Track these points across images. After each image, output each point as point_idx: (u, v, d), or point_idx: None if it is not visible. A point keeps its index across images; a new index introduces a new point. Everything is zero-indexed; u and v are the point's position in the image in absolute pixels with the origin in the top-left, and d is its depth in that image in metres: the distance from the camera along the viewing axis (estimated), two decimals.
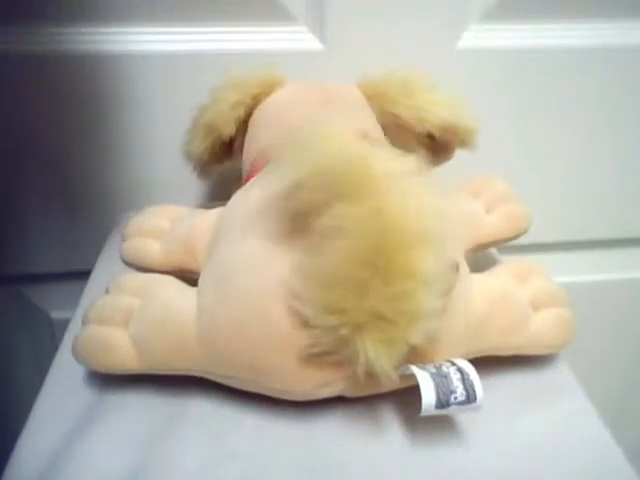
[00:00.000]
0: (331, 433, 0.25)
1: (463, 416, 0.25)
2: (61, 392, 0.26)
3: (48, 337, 0.48)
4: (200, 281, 0.26)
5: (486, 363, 0.26)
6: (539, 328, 0.27)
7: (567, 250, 0.53)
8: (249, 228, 0.25)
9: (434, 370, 0.23)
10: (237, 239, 0.25)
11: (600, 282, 0.54)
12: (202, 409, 0.26)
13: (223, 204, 0.29)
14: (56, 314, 0.48)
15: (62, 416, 0.25)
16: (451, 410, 0.22)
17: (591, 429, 0.26)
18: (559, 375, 0.28)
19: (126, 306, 0.26)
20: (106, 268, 0.34)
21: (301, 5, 0.39)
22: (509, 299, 0.27)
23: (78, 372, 0.27)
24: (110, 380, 0.26)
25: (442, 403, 0.22)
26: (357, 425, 0.25)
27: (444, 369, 0.23)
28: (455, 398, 0.22)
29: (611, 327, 0.56)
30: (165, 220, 0.32)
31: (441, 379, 0.22)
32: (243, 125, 0.34)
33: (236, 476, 0.23)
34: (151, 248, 0.31)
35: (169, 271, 0.29)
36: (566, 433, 0.25)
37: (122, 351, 0.25)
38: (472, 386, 0.22)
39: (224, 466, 0.24)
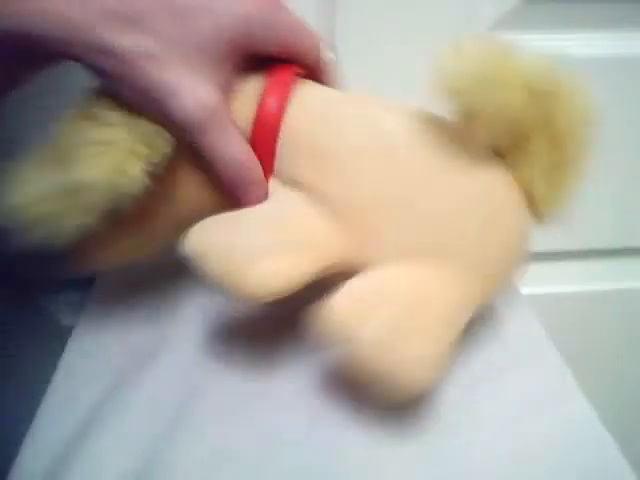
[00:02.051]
0: (331, 435, 0.25)
1: (465, 420, 0.26)
2: (66, 395, 0.27)
3: (57, 341, 0.48)
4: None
5: (487, 367, 0.26)
6: None
7: (564, 259, 0.53)
8: None
9: None
10: None
11: (601, 292, 0.54)
12: (204, 411, 0.26)
13: None
14: (64, 319, 0.49)
15: (67, 418, 0.26)
16: None
17: (593, 433, 0.26)
18: (560, 379, 0.28)
19: None
20: (109, 274, 0.35)
21: (312, 16, 0.39)
22: None
23: (83, 375, 0.28)
24: (114, 383, 0.27)
25: None
26: (357, 428, 0.25)
27: None
28: None
29: (610, 336, 0.56)
30: None
31: None
32: None
33: (237, 477, 0.24)
34: None
35: None
36: (567, 437, 0.25)
37: None
38: None
39: (226, 467, 0.24)
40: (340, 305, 0.23)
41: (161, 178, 0.26)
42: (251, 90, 0.27)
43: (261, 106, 0.26)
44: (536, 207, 0.27)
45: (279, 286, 0.24)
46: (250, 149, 0.26)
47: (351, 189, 0.26)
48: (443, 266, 0.25)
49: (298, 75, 0.28)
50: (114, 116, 0.25)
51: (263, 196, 0.27)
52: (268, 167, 0.27)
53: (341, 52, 0.40)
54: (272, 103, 0.26)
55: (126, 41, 0.24)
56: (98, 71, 0.25)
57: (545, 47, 0.41)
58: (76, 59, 0.25)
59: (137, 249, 0.29)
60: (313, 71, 0.29)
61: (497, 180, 0.26)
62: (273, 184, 0.27)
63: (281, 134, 0.26)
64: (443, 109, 0.25)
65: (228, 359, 0.29)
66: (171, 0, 0.25)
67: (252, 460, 0.24)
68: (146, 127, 0.25)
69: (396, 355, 0.23)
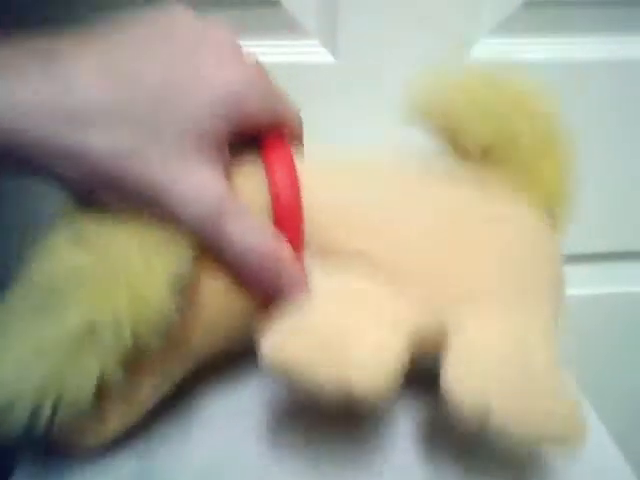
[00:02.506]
0: (333, 443, 0.25)
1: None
2: None
3: None
4: None
5: None
6: None
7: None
8: None
9: None
10: None
11: (593, 295, 0.54)
12: (208, 412, 0.26)
13: None
14: None
15: None
16: None
17: (594, 437, 0.26)
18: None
19: None
20: None
21: (313, 19, 0.39)
22: None
23: None
24: None
25: None
26: (359, 437, 0.25)
27: None
28: None
29: (605, 338, 0.56)
30: None
31: None
32: None
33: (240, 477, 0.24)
34: None
35: None
36: None
37: None
38: None
39: (229, 466, 0.24)
40: (458, 384, 0.21)
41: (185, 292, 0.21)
42: (250, 170, 0.24)
43: (275, 187, 0.24)
44: (552, 211, 0.27)
45: (393, 364, 0.20)
46: (273, 230, 0.23)
47: (396, 249, 0.24)
48: (515, 308, 0.24)
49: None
50: (110, 227, 0.21)
51: (301, 277, 0.24)
52: (299, 247, 0.24)
53: (342, 54, 0.40)
54: (286, 181, 0.24)
55: (94, 140, 0.19)
56: (72, 183, 0.20)
57: (545, 51, 0.42)
58: (36, 173, 0.20)
59: (154, 394, 0.24)
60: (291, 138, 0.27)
61: (523, 208, 0.26)
62: (309, 264, 0.24)
63: (304, 210, 0.24)
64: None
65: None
66: (146, 84, 0.20)
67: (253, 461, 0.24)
68: (156, 231, 0.21)
69: (531, 412, 0.21)
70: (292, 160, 0.25)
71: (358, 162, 0.27)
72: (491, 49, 0.41)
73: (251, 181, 0.24)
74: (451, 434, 0.25)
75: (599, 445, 0.26)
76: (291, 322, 0.22)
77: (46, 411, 0.19)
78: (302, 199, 0.24)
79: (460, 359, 0.22)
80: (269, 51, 0.40)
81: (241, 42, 0.39)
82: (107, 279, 0.20)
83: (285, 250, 0.23)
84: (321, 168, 0.26)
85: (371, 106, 0.42)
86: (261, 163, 0.24)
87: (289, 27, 0.39)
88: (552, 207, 0.27)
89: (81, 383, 0.19)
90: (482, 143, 0.25)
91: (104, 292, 0.19)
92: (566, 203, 0.27)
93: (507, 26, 0.41)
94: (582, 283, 0.53)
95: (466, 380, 0.21)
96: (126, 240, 0.20)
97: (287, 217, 0.24)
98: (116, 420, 0.23)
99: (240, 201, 0.22)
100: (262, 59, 0.39)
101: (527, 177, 0.26)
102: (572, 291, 0.52)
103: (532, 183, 0.26)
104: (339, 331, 0.21)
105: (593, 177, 0.47)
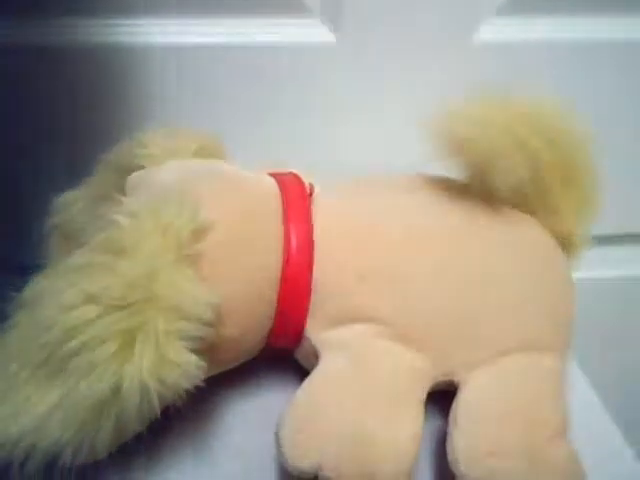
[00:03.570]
0: None
1: None
2: None
3: None
4: None
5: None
6: None
7: None
8: None
9: None
10: None
11: (600, 279, 0.53)
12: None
13: None
14: None
15: None
16: None
17: (599, 423, 0.26)
18: (567, 371, 0.28)
19: None
20: None
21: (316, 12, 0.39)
22: None
23: None
24: None
25: None
26: None
27: None
28: None
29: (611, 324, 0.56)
30: None
31: None
32: None
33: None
34: None
35: None
36: (574, 427, 0.25)
37: None
38: None
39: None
40: (462, 453, 0.22)
41: None
42: (270, 213, 0.25)
43: (289, 244, 0.24)
44: (567, 242, 0.28)
45: (412, 452, 0.22)
46: None
47: (408, 304, 0.24)
48: (527, 356, 0.24)
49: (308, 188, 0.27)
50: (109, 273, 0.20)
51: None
52: (303, 314, 0.25)
53: (344, 34, 0.39)
54: (299, 240, 0.24)
55: None
56: None
57: (553, 31, 0.41)
58: None
59: None
60: None
61: (548, 257, 0.26)
62: (316, 334, 0.25)
63: (315, 265, 0.24)
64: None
65: None
66: None
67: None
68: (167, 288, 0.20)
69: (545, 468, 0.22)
70: (310, 224, 0.25)
71: (378, 212, 0.27)
72: (498, 29, 0.41)
73: (267, 229, 0.25)
74: None
75: (605, 433, 0.26)
76: (307, 418, 0.22)
77: (63, 460, 0.19)
78: (312, 266, 0.24)
79: (466, 429, 0.22)
80: (269, 30, 0.39)
81: (240, 21, 0.38)
82: (128, 337, 0.19)
83: None
84: (341, 224, 0.26)
85: (373, 88, 0.41)
86: (281, 220, 0.25)
87: (290, 5, 0.38)
88: (571, 243, 0.28)
89: (100, 440, 0.19)
90: (515, 182, 0.25)
91: (127, 352, 0.19)
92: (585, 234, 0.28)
93: (514, 6, 0.40)
94: (593, 266, 0.53)
95: (470, 455, 0.22)
96: (128, 286, 0.20)
97: (294, 286, 0.24)
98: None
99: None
100: (262, 38, 0.39)
101: (551, 213, 0.27)
102: (585, 274, 0.52)
103: (555, 220, 0.27)
104: (358, 424, 0.21)
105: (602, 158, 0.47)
